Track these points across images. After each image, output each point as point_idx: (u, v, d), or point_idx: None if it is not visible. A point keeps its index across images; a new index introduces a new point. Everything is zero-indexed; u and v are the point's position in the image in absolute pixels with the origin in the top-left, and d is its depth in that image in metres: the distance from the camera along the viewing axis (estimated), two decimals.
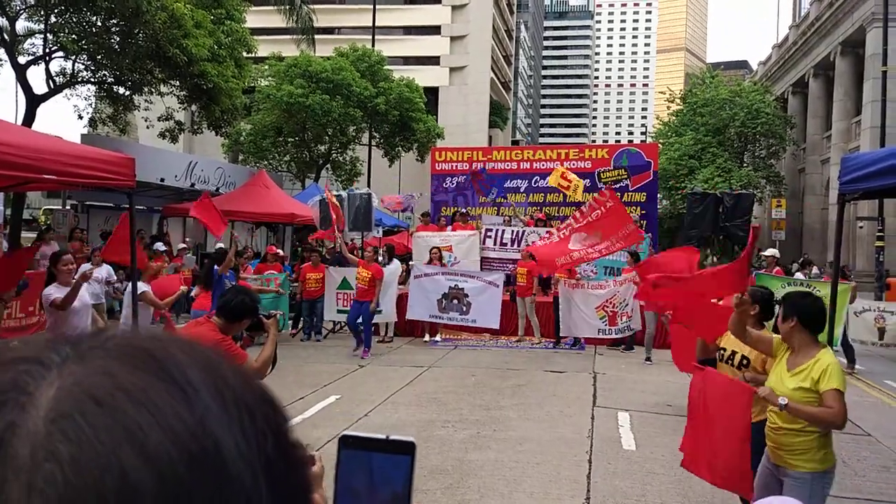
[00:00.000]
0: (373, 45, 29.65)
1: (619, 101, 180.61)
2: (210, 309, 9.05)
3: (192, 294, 9.81)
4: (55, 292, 6.42)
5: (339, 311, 12.70)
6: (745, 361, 4.39)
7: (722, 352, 4.61)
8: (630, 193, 15.48)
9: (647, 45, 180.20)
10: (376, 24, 28.62)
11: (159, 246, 13.90)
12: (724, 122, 34.17)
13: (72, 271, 6.55)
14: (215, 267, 9.48)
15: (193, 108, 18.83)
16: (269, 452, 0.37)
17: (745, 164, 35.02)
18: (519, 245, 13.97)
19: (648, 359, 10.82)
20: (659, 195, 20.93)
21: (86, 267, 7.23)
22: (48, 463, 0.31)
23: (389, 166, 32.55)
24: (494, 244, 13.97)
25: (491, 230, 14.19)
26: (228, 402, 0.37)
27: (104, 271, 10.61)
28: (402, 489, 0.70)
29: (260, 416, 0.38)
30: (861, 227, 26.43)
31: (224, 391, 0.37)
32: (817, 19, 32.81)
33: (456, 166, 17.09)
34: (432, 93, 48.82)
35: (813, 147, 34.67)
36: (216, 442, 0.35)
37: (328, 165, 30.32)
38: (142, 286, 7.18)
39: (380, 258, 13.84)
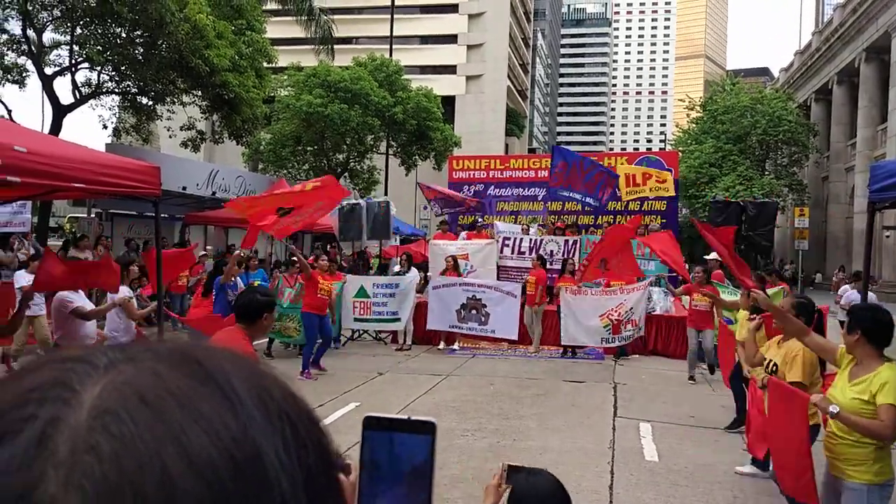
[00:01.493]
0: (390, 55, 29.83)
1: (638, 109, 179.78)
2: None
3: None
4: (78, 300, 6.42)
5: (356, 320, 12.74)
6: (773, 368, 4.53)
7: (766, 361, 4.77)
8: (650, 202, 15.40)
9: (665, 52, 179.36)
10: (394, 33, 28.76)
11: None
12: (745, 130, 33.91)
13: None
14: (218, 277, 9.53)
15: (215, 117, 19.08)
16: (309, 465, 0.38)
17: (766, 173, 34.72)
18: (537, 252, 13.92)
19: (692, 378, 10.00)
20: (679, 204, 20.80)
21: (124, 290, 7.18)
22: (87, 456, 0.31)
23: (406, 175, 32.68)
24: (512, 253, 13.93)
25: (509, 238, 14.16)
26: (272, 413, 0.38)
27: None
28: (423, 465, 0.73)
29: (302, 429, 0.39)
30: (888, 237, 26.06)
31: (268, 402, 0.38)
32: (841, 25, 32.49)
33: (473, 174, 17.13)
34: (449, 101, 48.95)
35: (837, 155, 34.26)
36: (258, 450, 0.35)
37: (346, 174, 30.51)
38: (125, 290, 7.09)
39: (398, 267, 13.88)
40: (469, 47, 58.42)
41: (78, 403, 0.33)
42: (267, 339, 11.67)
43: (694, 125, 38.96)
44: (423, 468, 0.73)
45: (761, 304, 4.56)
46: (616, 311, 11.68)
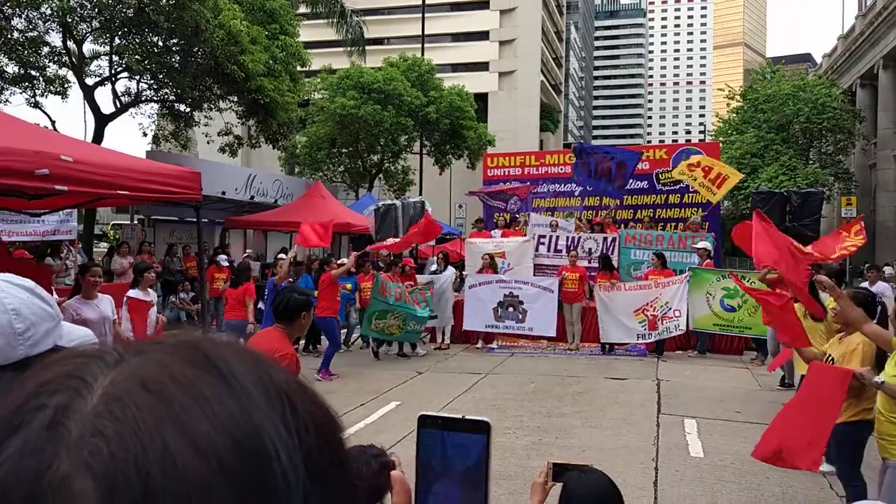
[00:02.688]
0: (422, 54, 29.89)
1: (676, 100, 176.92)
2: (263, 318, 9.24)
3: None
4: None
5: None
6: (830, 361, 4.57)
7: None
8: (691, 195, 15.12)
9: (702, 40, 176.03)
10: (425, 32, 28.80)
11: (221, 259, 14.26)
12: (787, 119, 33.09)
13: (98, 284, 6.24)
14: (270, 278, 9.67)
15: (251, 122, 19.34)
16: (310, 444, 0.39)
17: (811, 162, 33.85)
18: (576, 251, 13.79)
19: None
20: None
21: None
22: (95, 438, 0.34)
23: (440, 174, 32.73)
24: (548, 251, 13.82)
25: (544, 237, 14.04)
26: (272, 395, 0.39)
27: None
28: (478, 464, 0.75)
29: (302, 411, 0.40)
30: None
31: (268, 385, 0.40)
32: (885, 8, 31.47)
33: (508, 171, 17.05)
34: (482, 98, 48.86)
35: (884, 141, 33.19)
36: (257, 429, 0.37)
37: (381, 175, 30.69)
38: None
39: (434, 266, 13.90)
40: (501, 43, 58.17)
41: (89, 393, 0.36)
42: (375, 342, 11.83)
43: (734, 115, 38.17)
44: (478, 467, 0.75)
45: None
46: (651, 306, 11.55)
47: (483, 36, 58.21)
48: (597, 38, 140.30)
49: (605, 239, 13.63)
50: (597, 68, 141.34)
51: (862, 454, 4.48)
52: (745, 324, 11.02)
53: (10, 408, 0.36)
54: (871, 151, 35.51)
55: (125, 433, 0.34)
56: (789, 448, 4.13)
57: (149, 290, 7.15)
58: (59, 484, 0.33)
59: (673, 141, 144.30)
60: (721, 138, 37.39)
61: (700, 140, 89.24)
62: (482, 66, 57.28)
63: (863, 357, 4.34)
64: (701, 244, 12.17)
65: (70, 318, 6.12)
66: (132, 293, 6.89)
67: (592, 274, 12.67)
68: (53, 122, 17.04)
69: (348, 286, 12.29)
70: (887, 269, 15.15)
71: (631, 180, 14.69)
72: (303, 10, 25.08)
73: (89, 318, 6.11)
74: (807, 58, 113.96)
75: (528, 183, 16.37)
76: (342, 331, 12.25)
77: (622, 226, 14.53)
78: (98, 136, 15.86)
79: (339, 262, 11.26)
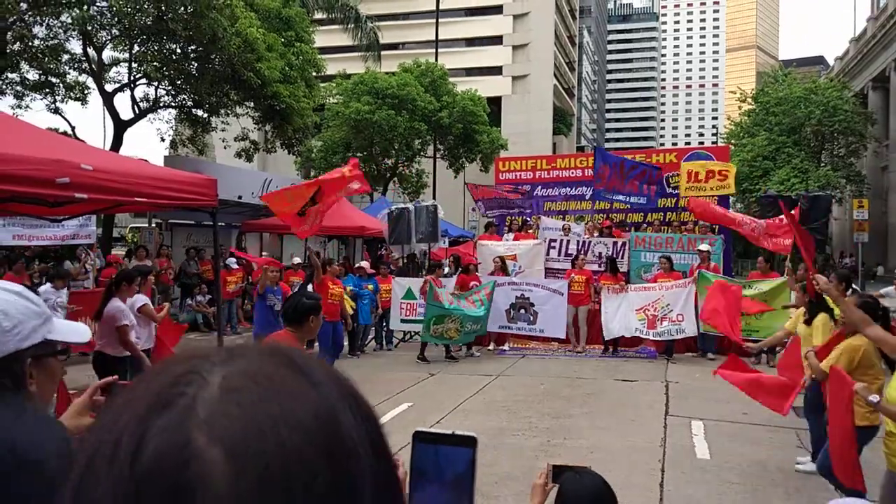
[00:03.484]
0: (436, 59, 30.07)
1: (688, 103, 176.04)
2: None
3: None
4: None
5: (403, 321, 12.97)
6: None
7: None
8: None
9: (715, 43, 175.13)
10: (439, 37, 29.00)
11: (231, 261, 14.47)
12: (799, 121, 32.98)
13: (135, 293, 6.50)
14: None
15: (267, 128, 19.57)
16: (369, 430, 0.51)
17: (822, 164, 33.69)
18: (585, 255, 13.90)
19: None
20: (732, 198, 20.34)
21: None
22: (223, 419, 0.45)
23: (454, 177, 32.88)
24: (559, 255, 13.93)
25: (555, 241, 14.17)
26: (342, 391, 0.52)
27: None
28: (465, 474, 0.85)
29: (363, 406, 0.53)
30: None
31: (339, 384, 0.52)
32: None
33: (520, 175, 17.16)
34: (495, 102, 48.95)
35: None
36: (335, 415, 0.49)
37: (395, 178, 30.89)
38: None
39: (447, 269, 14.04)
40: (514, 48, 58.30)
41: (207, 386, 0.47)
42: (421, 344, 11.88)
43: (746, 118, 38.06)
44: (464, 477, 0.85)
45: (824, 289, 4.58)
46: (652, 306, 11.74)
47: (497, 40, 58.37)
48: (609, 42, 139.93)
49: (615, 242, 13.74)
50: (609, 72, 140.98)
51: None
52: (752, 327, 11.12)
53: (156, 391, 0.47)
54: (882, 154, 35.31)
55: (246, 416, 0.45)
56: (835, 457, 4.26)
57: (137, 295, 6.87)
58: (198, 452, 0.43)
59: (686, 144, 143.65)
60: (733, 141, 37.31)
61: (712, 143, 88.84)
62: (496, 71, 57.43)
63: (823, 334, 4.42)
64: (702, 246, 12.31)
65: (125, 319, 6.18)
66: (140, 299, 6.83)
67: (597, 276, 12.83)
68: (73, 128, 17.30)
69: (370, 287, 12.45)
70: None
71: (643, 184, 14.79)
72: (318, 15, 25.32)
73: (134, 322, 6.39)
74: (819, 60, 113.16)
75: (525, 187, 16.54)
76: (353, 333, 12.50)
77: (632, 229, 14.64)
78: (117, 142, 16.11)
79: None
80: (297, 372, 0.50)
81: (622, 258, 13.39)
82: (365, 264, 13.23)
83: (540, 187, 16.86)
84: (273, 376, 0.49)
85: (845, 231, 30.60)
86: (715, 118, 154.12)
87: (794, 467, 5.93)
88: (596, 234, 14.52)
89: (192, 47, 15.44)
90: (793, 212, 10.23)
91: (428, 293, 11.47)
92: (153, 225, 16.83)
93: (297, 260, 14.73)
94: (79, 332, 1.63)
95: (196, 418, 0.45)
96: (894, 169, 33.09)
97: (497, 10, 58.47)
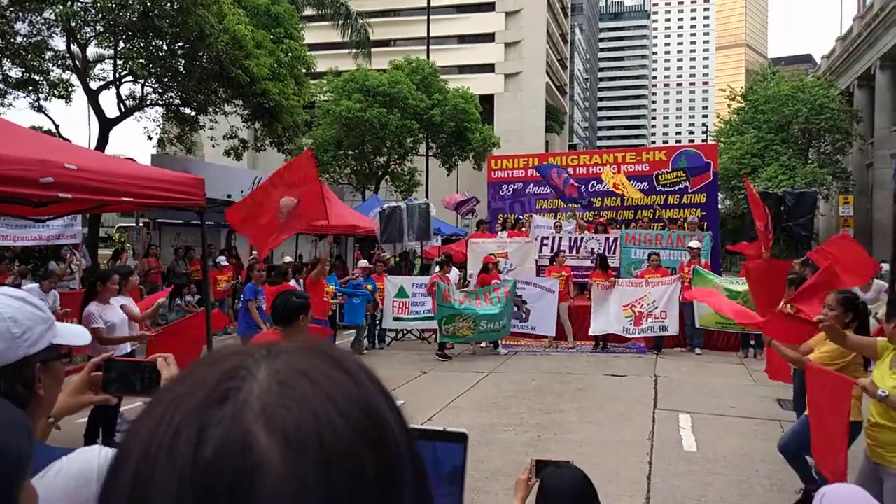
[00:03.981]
0: (427, 56, 30.05)
1: (679, 101, 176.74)
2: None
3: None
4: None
5: (395, 319, 12.95)
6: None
7: None
8: (689, 195, 15.28)
9: (705, 42, 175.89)
10: (431, 34, 28.99)
11: (221, 260, 14.43)
12: (787, 119, 33.22)
13: (114, 292, 6.40)
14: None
15: (256, 125, 19.47)
16: (402, 421, 0.54)
17: (809, 161, 33.96)
18: (577, 252, 13.95)
19: None
20: (721, 195, 20.50)
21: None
22: (281, 410, 0.47)
23: (447, 175, 32.90)
24: (551, 252, 13.98)
25: (547, 238, 14.21)
26: (378, 386, 0.55)
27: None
28: (459, 468, 0.88)
29: (394, 402, 0.55)
30: None
31: (374, 380, 0.55)
32: (882, 9, 31.53)
33: (512, 173, 17.18)
34: (488, 100, 48.99)
35: (881, 141, 33.26)
36: (378, 409, 0.52)
37: (387, 176, 30.85)
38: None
39: (438, 268, 14.05)
40: (507, 45, 58.34)
41: (255, 380, 0.49)
42: (438, 344, 11.89)
43: (735, 116, 38.29)
44: (457, 471, 0.88)
45: (828, 332, 4.33)
46: (639, 303, 11.85)
47: (489, 38, 58.39)
48: (601, 40, 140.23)
49: (606, 239, 13.81)
50: (601, 70, 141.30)
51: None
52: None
53: (211, 383, 0.50)
54: (868, 151, 35.57)
55: (302, 407, 0.48)
56: (820, 454, 4.31)
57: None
58: (258, 441, 0.46)
59: (677, 141, 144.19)
60: (722, 139, 37.53)
61: (703, 140, 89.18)
62: (488, 68, 57.46)
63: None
64: (692, 243, 12.40)
65: (96, 322, 6.13)
66: (120, 300, 6.72)
67: (588, 273, 12.88)
68: (57, 126, 17.11)
69: (369, 287, 12.36)
70: (884, 266, 15.11)
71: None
72: (308, 12, 25.25)
73: (113, 321, 6.31)
74: (807, 58, 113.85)
75: (527, 189, 16.63)
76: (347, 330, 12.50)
77: (623, 226, 14.72)
78: (102, 140, 15.88)
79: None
80: (338, 368, 0.53)
81: (614, 254, 13.46)
82: (364, 263, 13.14)
83: (532, 185, 16.88)
84: (318, 371, 0.51)
85: (831, 227, 30.80)
86: (705, 116, 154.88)
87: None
88: (588, 231, 14.58)
89: (180, 44, 15.30)
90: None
91: (437, 293, 11.45)
92: (141, 224, 16.75)
93: (287, 259, 14.69)
94: (80, 334, 1.66)
95: (252, 410, 0.47)
96: (879, 166, 33.33)
97: (489, 6, 58.50)
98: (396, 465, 0.51)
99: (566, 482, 2.18)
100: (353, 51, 26.21)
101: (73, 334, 1.62)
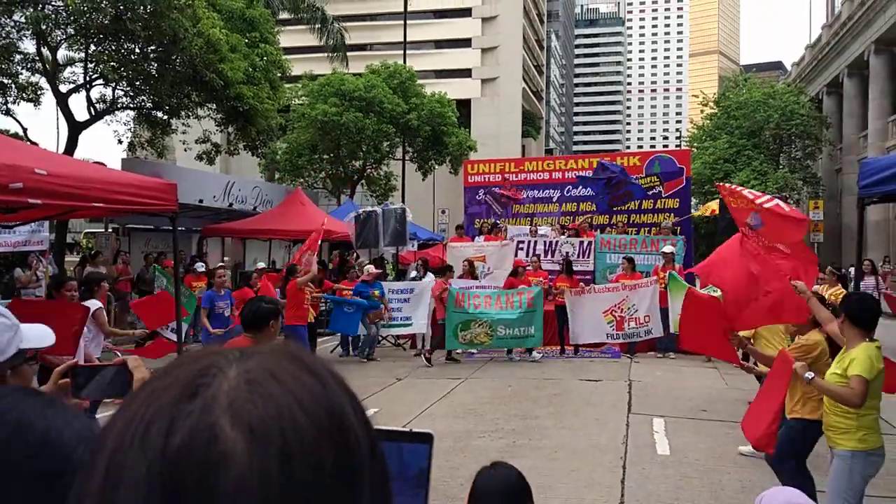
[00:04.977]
0: (404, 61, 30.01)
1: (654, 107, 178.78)
2: None
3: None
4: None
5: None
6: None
7: None
8: (663, 200, 15.43)
9: (679, 48, 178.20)
10: (408, 38, 28.96)
11: (199, 266, 14.24)
12: (758, 125, 33.71)
13: (74, 299, 6.25)
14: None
15: (230, 130, 19.28)
16: (366, 423, 0.57)
17: (781, 167, 34.50)
18: (553, 256, 13.99)
19: None
20: (695, 200, 20.69)
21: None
22: (248, 405, 0.51)
23: (423, 180, 32.84)
24: (527, 256, 14.00)
25: (523, 242, 14.24)
26: (344, 388, 0.57)
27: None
28: (424, 469, 0.88)
29: (359, 406, 0.58)
30: None
31: (340, 382, 0.57)
32: (849, 18, 32.25)
33: (488, 178, 17.20)
34: (464, 104, 49.04)
35: (849, 147, 33.97)
36: (342, 411, 0.54)
37: (363, 181, 30.73)
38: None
39: (414, 272, 14.01)
40: (483, 50, 58.50)
41: (226, 378, 0.53)
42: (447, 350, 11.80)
43: (708, 121, 38.80)
44: (424, 472, 0.88)
45: (800, 291, 4.84)
46: (619, 307, 11.83)
47: (466, 43, 58.50)
48: (577, 46, 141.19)
49: (581, 243, 13.87)
50: (577, 75, 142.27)
51: (805, 451, 4.74)
52: None
53: (184, 381, 0.53)
54: (837, 157, 36.30)
55: (267, 404, 0.51)
56: (753, 423, 4.52)
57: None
58: (223, 434, 0.49)
59: (651, 146, 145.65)
60: (695, 144, 37.96)
61: (676, 146, 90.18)
62: (465, 73, 57.55)
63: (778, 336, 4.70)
64: (666, 248, 12.48)
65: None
66: (92, 303, 6.56)
67: (552, 277, 12.88)
68: (25, 130, 16.79)
69: (377, 293, 12.06)
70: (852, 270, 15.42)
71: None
72: (284, 16, 25.09)
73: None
74: (778, 65, 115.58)
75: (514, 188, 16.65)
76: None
77: (598, 231, 14.80)
78: (71, 144, 15.55)
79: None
80: (306, 371, 0.55)
81: (588, 258, 13.51)
82: (372, 268, 12.81)
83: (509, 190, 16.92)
84: (287, 373, 0.54)
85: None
86: (679, 121, 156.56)
87: (738, 449, 6.19)
88: (565, 234, 14.63)
89: (152, 48, 15.09)
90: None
91: (448, 299, 11.34)
92: (109, 230, 16.48)
93: (261, 265, 14.56)
94: (44, 336, 1.69)
95: (220, 405, 0.50)
96: (847, 172, 34.00)
97: (466, 12, 58.60)
98: (357, 464, 0.53)
99: (500, 481, 2.15)
100: (330, 55, 26.09)
101: (37, 336, 1.64)
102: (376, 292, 12.03)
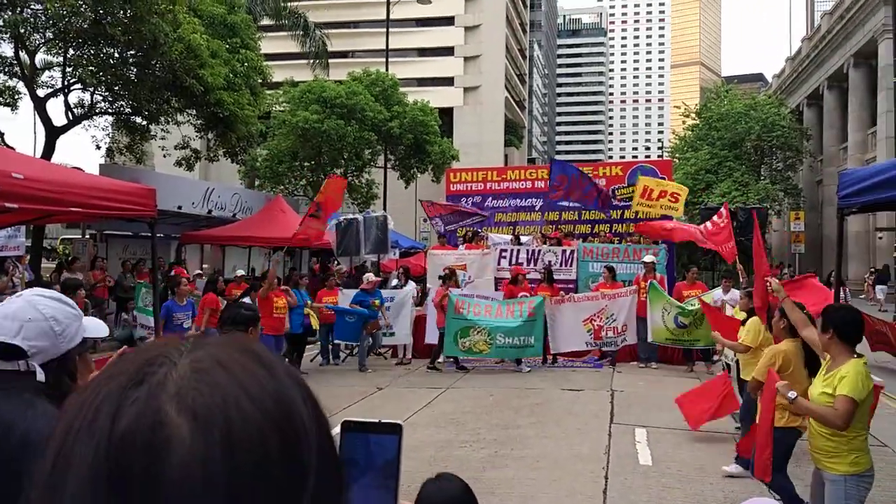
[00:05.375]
0: (386, 68, 29.97)
1: (635, 117, 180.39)
2: None
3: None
4: None
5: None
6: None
7: None
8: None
9: (661, 59, 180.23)
10: (390, 46, 28.95)
11: (239, 271, 14.11)
12: (740, 136, 34.06)
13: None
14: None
15: (210, 136, 19.12)
16: (317, 416, 0.57)
17: (762, 178, 34.84)
18: (535, 264, 13.96)
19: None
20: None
21: None
22: (193, 392, 0.51)
23: (405, 188, 32.76)
24: (509, 264, 13.97)
25: (506, 250, 14.20)
26: (295, 380, 0.58)
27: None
28: (393, 460, 0.87)
29: (311, 397, 0.58)
30: (881, 238, 26.15)
31: (292, 375, 0.58)
32: (829, 32, 32.77)
33: (470, 187, 17.20)
34: (447, 113, 49.15)
35: (830, 158, 34.46)
36: (290, 397, 0.55)
37: (344, 189, 30.55)
38: None
39: (395, 280, 13.90)
40: (466, 59, 58.74)
41: (175, 367, 0.53)
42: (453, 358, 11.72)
43: (690, 132, 39.13)
44: (393, 463, 0.87)
45: (776, 290, 4.85)
46: (598, 316, 11.90)
47: (448, 52, 58.72)
48: (559, 57, 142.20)
49: (563, 251, 13.86)
50: (559, 86, 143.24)
51: (785, 458, 4.72)
52: (693, 336, 11.40)
53: (132, 369, 0.53)
54: (817, 168, 36.77)
55: (213, 391, 0.52)
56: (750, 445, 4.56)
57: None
58: (168, 419, 0.49)
59: (633, 157, 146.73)
60: (677, 155, 38.32)
61: (658, 156, 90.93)
62: (447, 81, 57.72)
63: (752, 334, 5.01)
64: (647, 258, 12.54)
65: None
66: None
67: (533, 286, 12.85)
68: (2, 135, 16.54)
69: (377, 302, 11.88)
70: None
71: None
72: (266, 22, 25.00)
73: None
74: (759, 77, 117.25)
75: (486, 202, 16.62)
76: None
77: (581, 240, 14.82)
78: (49, 149, 15.35)
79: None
80: (256, 361, 0.56)
81: (570, 267, 13.51)
82: (372, 276, 12.66)
83: (491, 198, 16.93)
84: (236, 363, 0.55)
85: (783, 242, 31.57)
86: (661, 132, 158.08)
87: (722, 469, 6.08)
88: (547, 243, 14.62)
89: (132, 52, 14.93)
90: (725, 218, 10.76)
91: (448, 305, 11.25)
92: (87, 236, 16.24)
93: (239, 272, 14.41)
94: (100, 328, 1.88)
95: (167, 392, 0.51)
96: (828, 182, 34.46)
97: (449, 21, 58.83)
98: (304, 452, 0.53)
99: (444, 493, 2.08)
100: (311, 62, 26.01)
101: (96, 327, 1.81)
102: (376, 301, 11.86)
